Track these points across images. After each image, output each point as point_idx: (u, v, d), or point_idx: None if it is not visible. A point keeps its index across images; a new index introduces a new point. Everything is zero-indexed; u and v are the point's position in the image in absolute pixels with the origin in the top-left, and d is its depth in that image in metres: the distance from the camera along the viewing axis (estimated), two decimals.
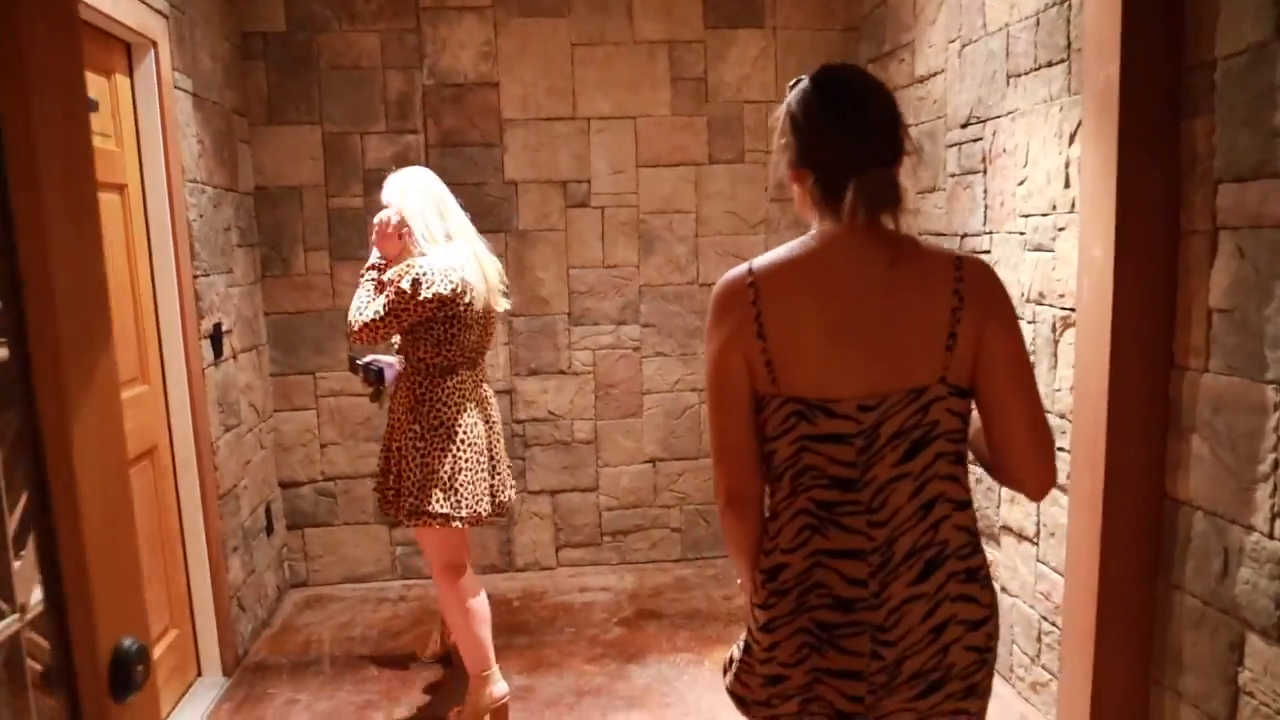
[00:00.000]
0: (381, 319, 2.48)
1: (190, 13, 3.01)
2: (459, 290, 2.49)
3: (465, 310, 2.53)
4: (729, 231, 3.81)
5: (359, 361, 2.77)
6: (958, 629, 1.31)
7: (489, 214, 3.75)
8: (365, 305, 2.54)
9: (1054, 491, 2.44)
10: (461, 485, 2.56)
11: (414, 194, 2.63)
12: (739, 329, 1.30)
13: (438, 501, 2.53)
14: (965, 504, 1.34)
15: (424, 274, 2.45)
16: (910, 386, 1.27)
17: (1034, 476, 1.33)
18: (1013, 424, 1.30)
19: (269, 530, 3.58)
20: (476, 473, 2.60)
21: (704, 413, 3.85)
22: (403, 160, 3.67)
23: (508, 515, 2.91)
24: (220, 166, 3.24)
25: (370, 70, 3.63)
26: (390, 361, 2.75)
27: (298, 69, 3.60)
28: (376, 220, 2.65)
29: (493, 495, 2.70)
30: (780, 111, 1.35)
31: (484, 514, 2.63)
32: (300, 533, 3.83)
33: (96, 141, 2.50)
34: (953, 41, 2.98)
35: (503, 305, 2.73)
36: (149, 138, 2.77)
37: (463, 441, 2.57)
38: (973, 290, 1.27)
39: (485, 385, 2.74)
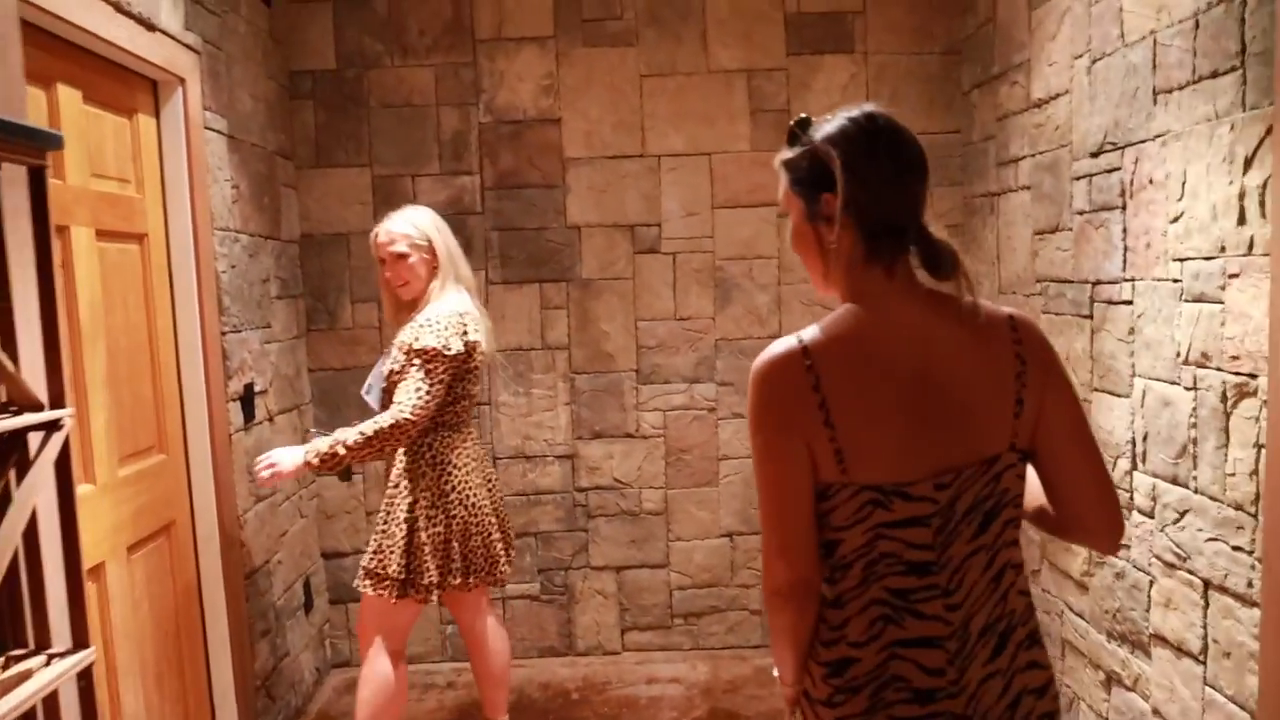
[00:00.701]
0: (429, 391, 2.37)
1: (228, 48, 2.79)
2: (478, 337, 2.49)
3: (480, 360, 2.52)
4: None
5: (321, 435, 2.48)
6: (1030, 700, 1.25)
7: (549, 261, 3.43)
8: (417, 386, 2.40)
9: (1226, 600, 1.95)
10: (474, 550, 2.51)
11: (443, 231, 2.58)
12: (799, 416, 1.17)
13: (430, 573, 2.44)
14: (1022, 564, 1.29)
15: (444, 325, 2.40)
16: (983, 457, 1.20)
17: (1107, 527, 1.27)
18: (1081, 480, 1.24)
19: (307, 607, 3.28)
20: (475, 541, 2.52)
21: None
22: (458, 204, 3.40)
23: (502, 585, 2.76)
24: (259, 213, 3.00)
25: (423, 108, 3.37)
26: None
27: (347, 108, 3.37)
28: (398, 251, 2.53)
29: (505, 555, 2.63)
30: (793, 152, 1.25)
31: (507, 574, 2.62)
32: (344, 607, 3.52)
33: (112, 187, 2.26)
34: (1079, 57, 2.55)
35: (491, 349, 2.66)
36: (174, 182, 2.53)
37: (474, 505, 2.51)
38: (1032, 351, 1.23)
39: (479, 441, 2.70)
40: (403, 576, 2.41)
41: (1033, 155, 2.86)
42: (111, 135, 2.29)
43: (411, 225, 2.52)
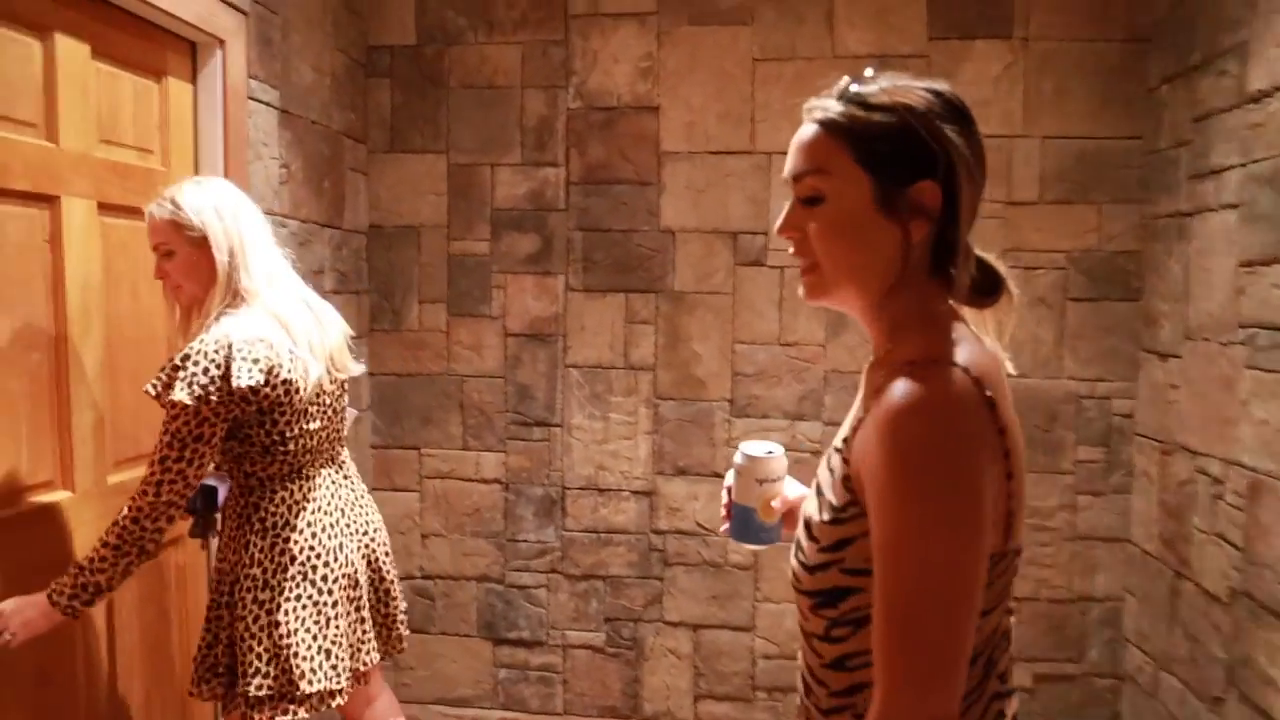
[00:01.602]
0: (183, 460, 1.62)
1: (286, 13, 2.50)
2: (274, 370, 1.69)
3: (291, 395, 1.73)
4: None
5: None
6: None
7: (638, 268, 3.01)
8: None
9: None
10: (335, 641, 1.81)
11: (234, 214, 1.77)
12: (990, 470, 0.89)
13: (311, 675, 1.75)
14: None
15: (210, 361, 1.62)
16: None
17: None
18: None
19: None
20: (353, 617, 1.87)
21: None
22: (538, 199, 3.02)
23: (400, 650, 2.08)
24: (315, 198, 2.70)
25: (507, 90, 3.01)
26: (217, 482, 1.93)
27: (425, 88, 3.05)
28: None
29: (390, 631, 2.03)
30: (866, 114, 0.96)
31: (369, 664, 1.91)
32: None
33: (129, 157, 1.98)
34: None
35: (354, 369, 1.95)
36: (209, 155, 2.25)
37: (326, 577, 1.81)
38: None
39: (351, 482, 1.98)
40: (295, 689, 1.75)
41: (1244, 164, 2.25)
42: (131, 98, 2.02)
43: (190, 209, 1.72)
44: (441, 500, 3.13)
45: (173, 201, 1.73)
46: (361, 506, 1.99)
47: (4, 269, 1.69)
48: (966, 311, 1.03)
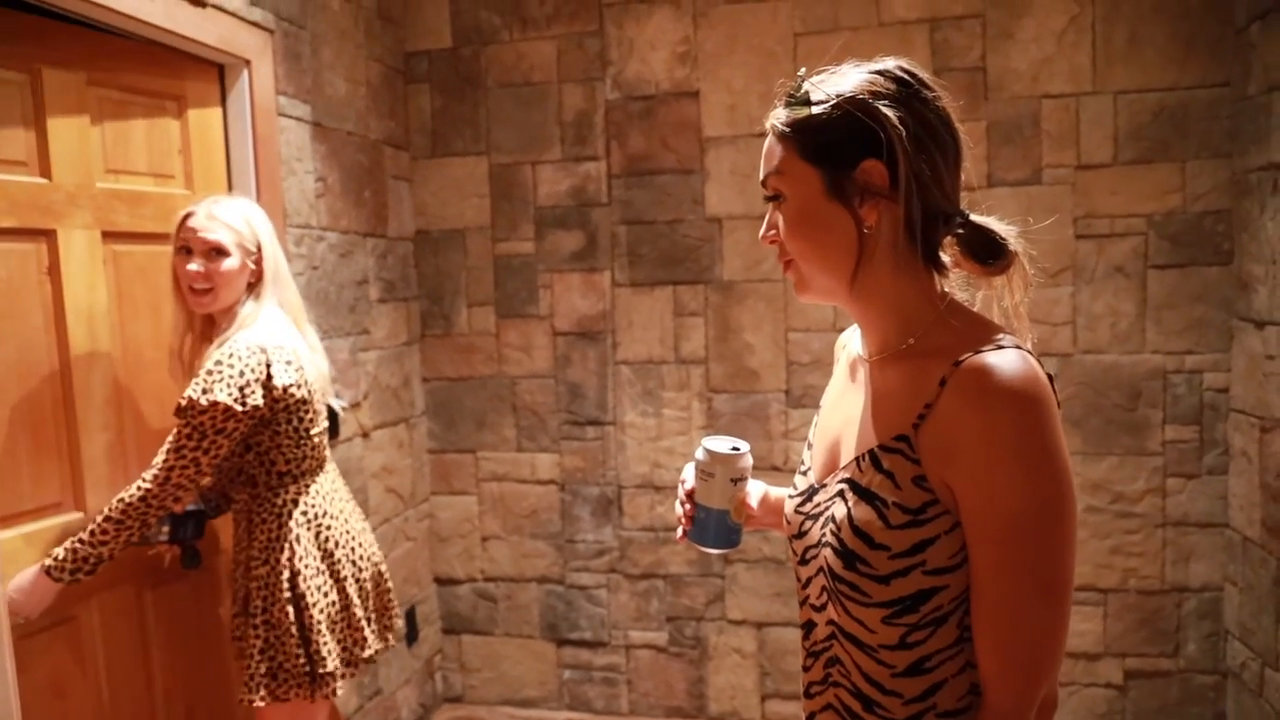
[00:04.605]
0: (201, 452, 1.72)
1: (314, 27, 2.52)
2: (300, 370, 1.86)
3: (312, 394, 1.90)
4: None
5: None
6: None
7: (684, 260, 2.92)
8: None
9: None
10: (369, 613, 2.01)
11: (275, 241, 1.94)
12: None
13: (364, 643, 1.96)
14: None
15: (245, 363, 1.74)
16: None
17: None
18: None
19: (410, 638, 2.99)
20: (368, 599, 2.02)
21: None
22: (580, 195, 2.97)
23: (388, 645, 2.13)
24: (356, 208, 2.72)
25: (544, 85, 2.97)
26: (198, 507, 2.00)
27: (463, 90, 3.03)
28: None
29: (388, 624, 2.10)
30: (806, 111, 0.97)
31: (374, 651, 2.03)
32: (457, 639, 3.21)
33: (143, 184, 2.02)
34: None
35: (339, 404, 2.13)
36: (241, 176, 2.28)
37: (362, 557, 2.01)
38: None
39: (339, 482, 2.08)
40: (308, 669, 1.86)
41: None
42: (144, 126, 2.05)
43: (244, 219, 1.86)
44: (499, 503, 3.13)
45: (231, 219, 1.84)
46: (349, 495, 2.10)
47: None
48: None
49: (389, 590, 2.10)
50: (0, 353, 1.74)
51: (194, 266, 1.81)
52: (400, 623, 2.14)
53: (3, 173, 1.75)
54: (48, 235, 1.81)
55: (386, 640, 2.08)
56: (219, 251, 1.82)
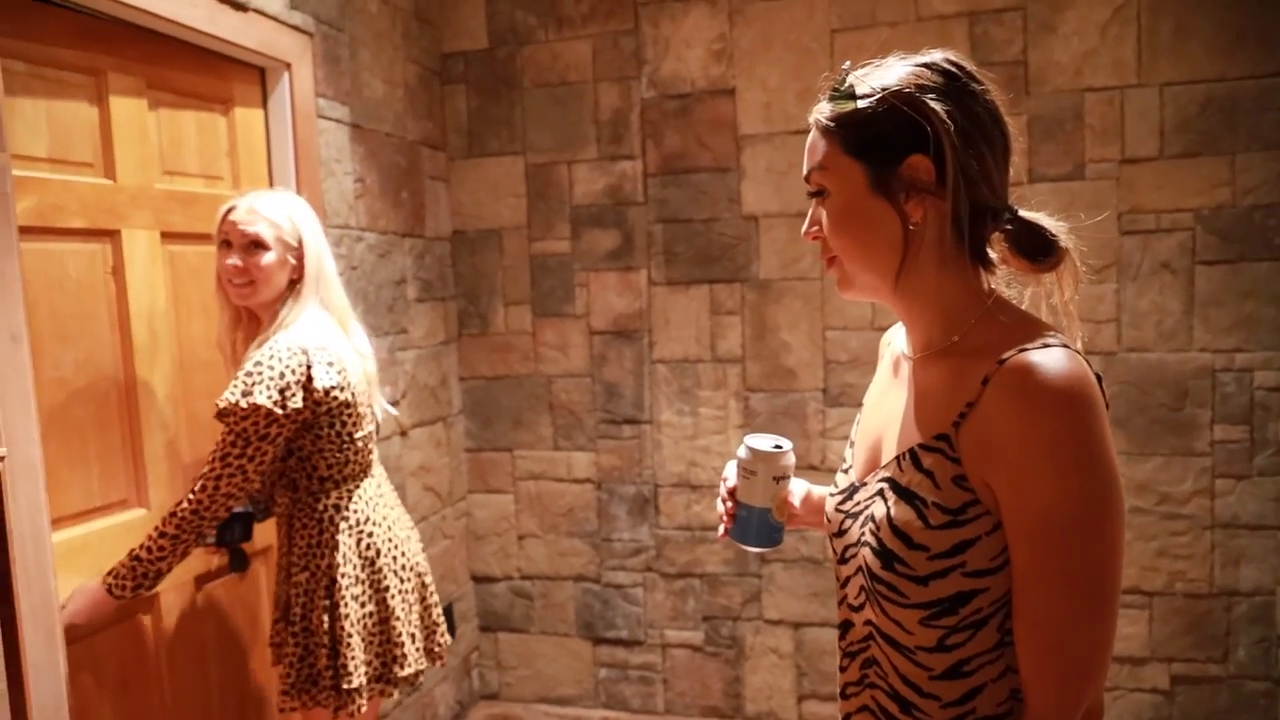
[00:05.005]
0: (248, 459, 1.71)
1: (352, 29, 2.55)
2: (343, 372, 1.83)
3: (356, 397, 1.86)
4: None
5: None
6: None
7: (720, 259, 2.92)
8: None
9: None
10: (416, 625, 1.98)
11: (320, 238, 1.91)
12: None
13: (404, 659, 1.91)
14: None
15: (286, 364, 1.72)
16: None
17: None
18: None
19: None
20: (428, 601, 2.04)
21: None
22: (617, 194, 2.97)
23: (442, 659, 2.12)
24: (394, 209, 2.75)
25: (579, 85, 2.97)
26: (245, 509, 2.00)
27: (499, 90, 3.05)
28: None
29: (435, 643, 2.08)
30: (851, 105, 0.95)
31: (444, 645, 2.07)
32: (494, 636, 3.23)
33: (195, 186, 2.06)
34: None
35: (386, 405, 2.06)
36: (281, 178, 2.31)
37: (405, 566, 1.96)
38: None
39: (387, 478, 2.07)
40: (334, 681, 1.82)
41: None
42: (195, 129, 2.09)
43: (285, 214, 1.84)
44: (536, 502, 3.15)
45: (275, 214, 1.83)
46: (397, 501, 2.07)
47: (67, 302, 1.77)
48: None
49: (435, 605, 2.05)
50: (71, 353, 1.78)
51: (232, 260, 1.80)
52: (446, 638, 2.09)
53: (72, 174, 1.79)
54: (112, 236, 1.86)
55: (434, 659, 2.04)
56: (258, 245, 1.80)
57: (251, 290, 1.82)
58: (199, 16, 1.99)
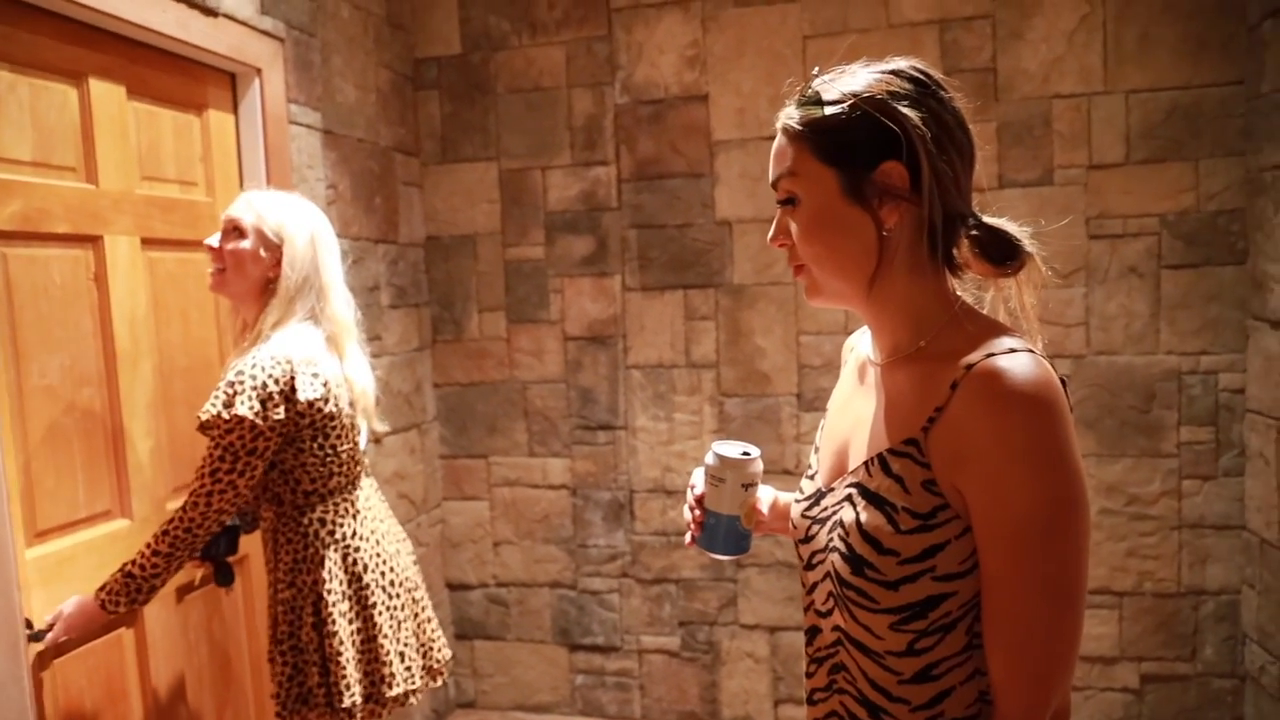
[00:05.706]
0: (235, 472, 1.65)
1: (324, 35, 2.53)
2: (328, 384, 1.73)
3: (341, 409, 1.78)
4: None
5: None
6: None
7: (694, 264, 2.93)
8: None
9: None
10: (406, 643, 1.88)
11: (314, 244, 1.80)
12: None
13: (392, 679, 1.82)
14: None
15: (269, 374, 1.64)
16: None
17: None
18: None
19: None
20: (421, 617, 1.95)
21: None
22: (591, 200, 2.98)
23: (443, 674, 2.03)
24: (366, 215, 2.74)
25: (553, 91, 2.98)
26: (232, 522, 1.93)
27: (473, 96, 3.04)
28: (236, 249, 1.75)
29: (431, 662, 1.98)
30: (822, 111, 0.95)
31: (442, 661, 1.98)
32: (470, 644, 3.21)
33: (172, 191, 2.04)
34: None
35: (381, 427, 1.96)
36: (252, 182, 2.29)
37: (394, 582, 1.89)
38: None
39: (378, 490, 2.00)
40: (327, 700, 1.79)
41: None
42: (171, 134, 2.07)
43: (276, 211, 1.76)
44: (511, 508, 3.14)
45: (265, 207, 1.76)
46: (389, 514, 2.01)
47: (51, 308, 1.75)
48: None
49: (429, 620, 1.97)
50: (54, 360, 1.75)
51: (210, 240, 1.75)
52: (445, 653, 2.01)
53: (56, 178, 1.76)
54: (95, 241, 1.84)
55: (434, 676, 1.95)
56: (236, 230, 1.73)
57: (221, 279, 1.75)
58: (169, 21, 1.97)
